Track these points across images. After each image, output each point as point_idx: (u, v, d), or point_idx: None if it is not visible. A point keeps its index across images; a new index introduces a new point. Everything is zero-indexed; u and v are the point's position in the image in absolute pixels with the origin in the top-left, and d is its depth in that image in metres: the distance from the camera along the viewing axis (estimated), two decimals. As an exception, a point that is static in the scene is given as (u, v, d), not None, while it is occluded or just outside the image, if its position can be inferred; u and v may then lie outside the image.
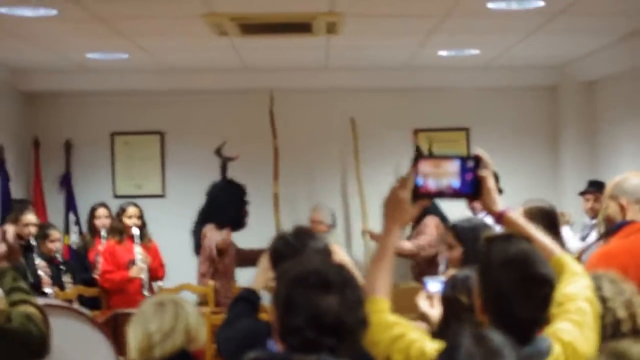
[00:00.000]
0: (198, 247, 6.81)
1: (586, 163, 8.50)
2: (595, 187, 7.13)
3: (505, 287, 2.39)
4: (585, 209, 7.30)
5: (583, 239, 6.83)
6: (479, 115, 8.98)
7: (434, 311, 3.25)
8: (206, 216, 6.81)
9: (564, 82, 8.68)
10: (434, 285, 3.33)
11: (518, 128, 8.96)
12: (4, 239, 3.20)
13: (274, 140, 8.29)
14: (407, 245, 7.00)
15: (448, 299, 3.09)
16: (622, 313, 2.81)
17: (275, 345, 2.16)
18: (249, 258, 6.67)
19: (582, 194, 7.35)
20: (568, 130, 8.74)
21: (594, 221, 6.91)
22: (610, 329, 2.75)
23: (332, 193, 8.78)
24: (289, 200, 8.59)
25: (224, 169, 7.64)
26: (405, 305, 3.26)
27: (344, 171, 8.84)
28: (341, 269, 2.17)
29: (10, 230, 3.24)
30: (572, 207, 7.80)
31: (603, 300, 2.76)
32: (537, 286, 2.40)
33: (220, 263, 6.79)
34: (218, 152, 7.72)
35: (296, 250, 3.14)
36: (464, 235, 4.02)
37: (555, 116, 8.92)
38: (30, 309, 3.06)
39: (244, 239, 7.08)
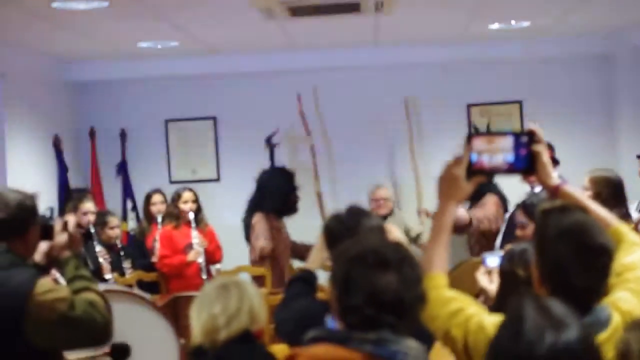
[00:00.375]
0: (248, 236, 6.81)
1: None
2: None
3: (563, 258, 2.37)
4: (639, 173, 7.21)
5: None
6: (532, 87, 8.86)
7: (493, 286, 3.24)
8: (255, 203, 6.81)
9: (619, 49, 8.50)
10: (493, 260, 3.33)
11: (573, 98, 8.83)
12: (65, 229, 3.29)
13: (308, 137, 8.31)
14: (461, 212, 6.87)
15: (505, 273, 3.09)
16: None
17: (334, 323, 2.18)
18: (303, 254, 6.67)
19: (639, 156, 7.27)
20: (624, 99, 8.57)
21: None
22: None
23: (382, 172, 8.76)
24: (341, 181, 8.63)
25: (272, 156, 7.70)
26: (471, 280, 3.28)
27: (395, 150, 8.81)
28: (398, 246, 2.17)
29: (71, 220, 3.32)
30: (630, 178, 7.67)
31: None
32: (595, 256, 2.38)
33: (269, 258, 6.76)
34: (268, 140, 7.78)
35: (350, 229, 3.15)
36: (535, 211, 4.01)
37: (611, 85, 8.76)
38: (93, 296, 3.12)
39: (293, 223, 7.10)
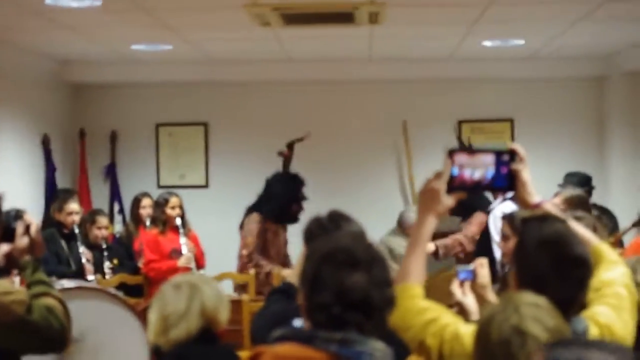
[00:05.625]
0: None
1: (632, 155, 8.35)
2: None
3: (541, 267, 2.38)
4: None
5: None
6: (524, 107, 8.89)
7: (467, 299, 3.22)
8: (257, 203, 6.81)
9: (611, 72, 8.53)
10: (463, 274, 3.32)
11: (563, 119, 8.86)
12: (27, 233, 3.16)
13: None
14: (431, 247, 6.78)
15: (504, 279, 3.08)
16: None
17: (300, 323, 2.16)
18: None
19: None
20: (614, 122, 8.60)
21: None
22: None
23: (373, 185, 8.77)
24: (332, 192, 8.65)
25: (286, 161, 7.55)
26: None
27: (386, 164, 8.82)
28: (370, 246, 2.16)
29: (33, 223, 3.19)
30: (618, 199, 7.68)
31: (638, 284, 2.74)
32: (573, 266, 2.38)
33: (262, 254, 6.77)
34: (290, 145, 7.53)
35: (329, 232, 3.12)
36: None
37: (602, 107, 8.79)
38: (51, 301, 3.04)
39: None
